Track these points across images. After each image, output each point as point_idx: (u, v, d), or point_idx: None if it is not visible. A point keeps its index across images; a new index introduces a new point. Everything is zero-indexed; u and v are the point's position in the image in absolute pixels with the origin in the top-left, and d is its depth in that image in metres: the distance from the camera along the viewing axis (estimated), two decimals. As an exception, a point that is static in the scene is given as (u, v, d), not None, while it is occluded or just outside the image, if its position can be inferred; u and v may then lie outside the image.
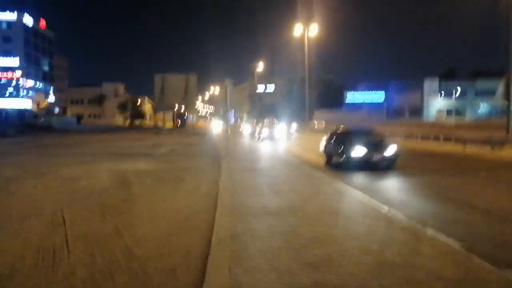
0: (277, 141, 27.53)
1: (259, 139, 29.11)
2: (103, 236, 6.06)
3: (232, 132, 49.91)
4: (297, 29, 59.57)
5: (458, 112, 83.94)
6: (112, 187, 10.54)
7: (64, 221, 6.94)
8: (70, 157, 18.29)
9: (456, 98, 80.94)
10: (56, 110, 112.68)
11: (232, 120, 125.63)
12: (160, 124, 74.17)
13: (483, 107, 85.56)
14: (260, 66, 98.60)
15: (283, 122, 32.68)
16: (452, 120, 67.93)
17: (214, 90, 24.35)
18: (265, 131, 29.45)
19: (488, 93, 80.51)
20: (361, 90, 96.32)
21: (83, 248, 5.54)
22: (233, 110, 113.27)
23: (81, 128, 76.22)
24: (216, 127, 47.21)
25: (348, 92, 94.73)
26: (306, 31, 59.14)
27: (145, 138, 34.43)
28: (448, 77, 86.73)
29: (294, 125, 39.69)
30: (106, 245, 5.63)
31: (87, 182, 11.26)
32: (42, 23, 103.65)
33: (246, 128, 62.63)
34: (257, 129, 30.14)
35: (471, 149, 21.80)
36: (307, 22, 58.50)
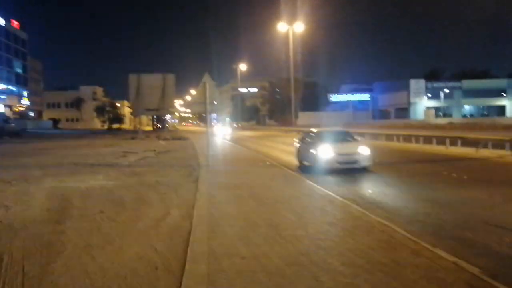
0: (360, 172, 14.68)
1: (317, 167, 14.72)
2: None
3: (217, 136, 47.04)
4: (281, 28, 57.17)
5: (445, 112, 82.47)
6: (41, 219, 7.49)
7: None
8: (15, 169, 15.11)
9: (444, 99, 79.19)
10: (31, 114, 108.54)
11: (214, 122, 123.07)
12: (138, 127, 70.61)
13: (468, 108, 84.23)
14: (243, 67, 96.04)
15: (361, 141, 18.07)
16: (444, 120, 65.98)
17: (196, 93, 18.93)
18: (337, 152, 14.81)
19: (475, 93, 79.14)
20: (346, 92, 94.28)
21: None
22: (214, 114, 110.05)
23: (56, 132, 72.36)
24: (202, 130, 44.28)
25: (332, 95, 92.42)
26: (291, 30, 56.78)
27: (118, 144, 31.19)
28: (431, 78, 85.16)
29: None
30: None
31: (8, 211, 8.20)
32: (14, 23, 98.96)
33: (221, 129, 58.90)
34: (312, 146, 15.71)
35: (484, 152, 19.35)
36: (290, 22, 56.17)
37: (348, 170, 14.17)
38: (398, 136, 28.32)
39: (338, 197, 9.17)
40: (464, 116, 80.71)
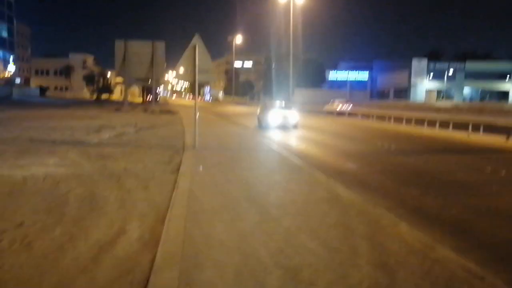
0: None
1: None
2: None
3: (209, 111, 43.95)
4: (282, -3, 53.52)
5: (446, 95, 79.76)
6: None
7: None
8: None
9: (447, 80, 76.31)
10: (18, 80, 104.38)
11: (208, 96, 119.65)
12: (127, 98, 67.13)
13: (469, 91, 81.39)
14: (238, 39, 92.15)
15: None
16: (446, 103, 63.18)
17: (183, 58, 16.29)
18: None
19: (477, 76, 76.23)
20: (344, 69, 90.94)
21: None
22: (208, 87, 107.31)
23: (41, 101, 68.92)
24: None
25: (330, 71, 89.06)
26: (292, 1, 53.15)
27: (99, 116, 28.15)
28: (432, 58, 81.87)
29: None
30: None
31: None
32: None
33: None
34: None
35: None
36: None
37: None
38: (408, 119, 25.58)
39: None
40: (464, 99, 77.91)
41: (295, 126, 22.25)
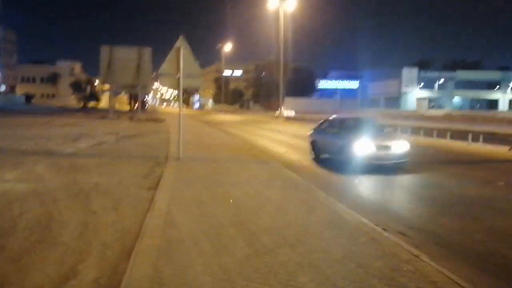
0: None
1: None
2: None
3: (197, 119, 42.76)
4: (272, 4, 52.86)
5: (436, 103, 79.53)
6: None
7: None
8: None
9: (438, 89, 76.13)
10: (2, 88, 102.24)
11: (197, 105, 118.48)
12: (114, 106, 65.72)
13: (458, 100, 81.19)
14: (228, 47, 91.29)
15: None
16: (438, 111, 62.75)
17: (166, 61, 14.87)
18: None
19: (467, 85, 76.17)
20: (334, 78, 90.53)
21: None
22: (197, 95, 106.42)
23: (25, 108, 67.16)
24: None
25: (319, 80, 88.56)
26: (281, 8, 52.45)
27: (81, 124, 26.84)
28: (420, 67, 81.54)
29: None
30: None
31: None
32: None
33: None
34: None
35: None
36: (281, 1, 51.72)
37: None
38: (403, 128, 24.62)
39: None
40: (454, 108, 77.63)
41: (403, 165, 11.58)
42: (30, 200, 6.73)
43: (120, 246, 4.76)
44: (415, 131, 23.35)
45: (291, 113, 53.68)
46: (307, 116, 41.38)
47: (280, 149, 16.46)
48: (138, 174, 9.52)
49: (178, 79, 11.96)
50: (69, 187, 7.83)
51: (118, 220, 5.85)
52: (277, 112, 53.56)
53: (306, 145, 14.41)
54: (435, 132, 21.58)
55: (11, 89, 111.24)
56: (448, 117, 46.18)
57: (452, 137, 20.49)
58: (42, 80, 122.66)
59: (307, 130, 15.20)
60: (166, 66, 12.18)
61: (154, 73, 40.35)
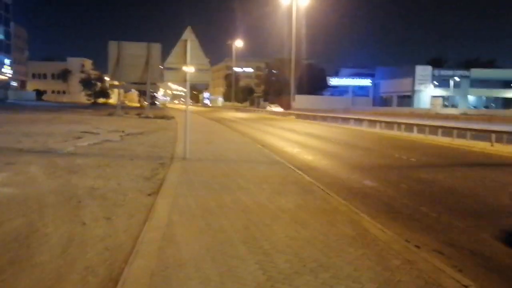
0: None
1: None
2: None
3: (206, 117, 41.90)
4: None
5: (452, 101, 78.00)
6: None
7: None
8: None
9: (452, 87, 74.57)
10: (14, 84, 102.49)
11: (207, 102, 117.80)
12: (124, 103, 65.39)
13: (472, 99, 79.45)
14: (238, 44, 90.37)
15: None
16: (453, 110, 61.33)
17: (172, 54, 14.07)
18: None
19: (482, 84, 74.44)
20: (346, 76, 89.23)
21: None
22: (207, 92, 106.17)
23: (35, 104, 66.97)
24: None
25: (331, 78, 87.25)
26: (295, 2, 51.46)
27: (87, 121, 26.18)
28: (434, 65, 79.92)
29: None
30: None
31: None
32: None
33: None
34: None
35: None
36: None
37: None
38: (422, 127, 23.62)
39: None
40: (468, 107, 76.01)
41: None
42: (13, 207, 5.94)
43: (106, 270, 3.94)
44: (432, 131, 22.35)
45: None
46: (318, 114, 40.43)
47: (292, 149, 15.56)
48: (139, 176, 8.71)
49: (185, 73, 11.17)
50: (60, 191, 7.04)
51: (109, 233, 5.03)
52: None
53: (319, 144, 13.53)
54: (454, 133, 20.53)
55: (22, 84, 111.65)
56: (463, 117, 44.92)
57: (471, 137, 19.54)
58: (53, 76, 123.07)
59: (320, 128, 14.30)
60: (172, 59, 11.36)
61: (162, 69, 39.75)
